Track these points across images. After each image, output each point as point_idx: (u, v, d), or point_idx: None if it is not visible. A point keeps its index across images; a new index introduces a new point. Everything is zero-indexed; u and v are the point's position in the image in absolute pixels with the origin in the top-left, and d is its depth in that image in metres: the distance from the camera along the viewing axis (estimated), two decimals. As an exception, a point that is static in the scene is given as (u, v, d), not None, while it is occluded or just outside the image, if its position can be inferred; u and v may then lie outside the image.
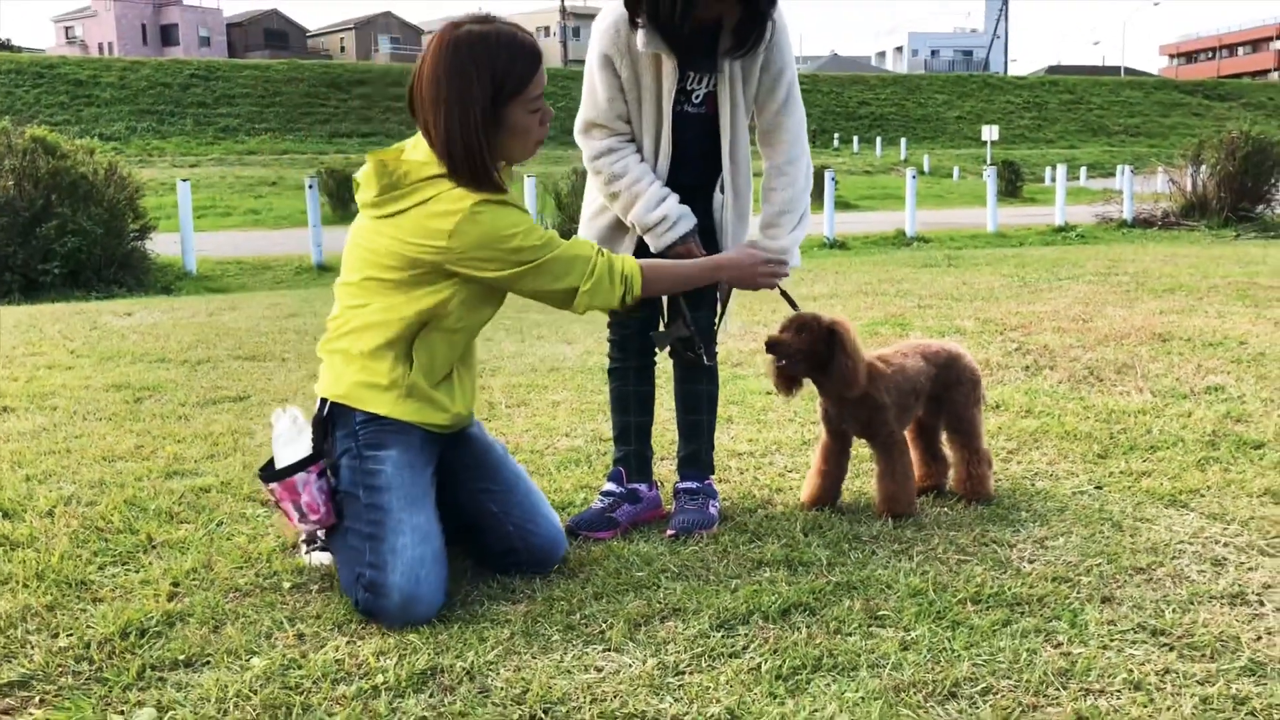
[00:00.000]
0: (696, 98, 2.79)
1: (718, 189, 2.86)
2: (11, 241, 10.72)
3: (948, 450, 3.10)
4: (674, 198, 2.76)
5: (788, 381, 2.86)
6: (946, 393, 3.03)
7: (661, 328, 2.92)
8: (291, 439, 2.52)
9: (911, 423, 3.05)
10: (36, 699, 1.98)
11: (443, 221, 2.32)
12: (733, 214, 2.86)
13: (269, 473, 2.46)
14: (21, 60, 41.28)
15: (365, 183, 2.42)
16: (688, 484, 2.94)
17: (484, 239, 2.34)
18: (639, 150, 2.81)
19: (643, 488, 2.96)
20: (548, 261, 2.41)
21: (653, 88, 2.75)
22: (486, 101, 2.32)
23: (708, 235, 2.86)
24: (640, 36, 2.66)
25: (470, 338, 2.55)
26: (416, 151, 2.41)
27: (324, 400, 2.46)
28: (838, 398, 2.87)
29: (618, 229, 2.88)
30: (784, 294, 2.91)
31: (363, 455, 2.39)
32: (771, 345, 2.79)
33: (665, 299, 2.87)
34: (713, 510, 2.88)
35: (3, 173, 10.91)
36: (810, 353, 2.78)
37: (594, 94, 2.77)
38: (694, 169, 2.84)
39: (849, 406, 2.87)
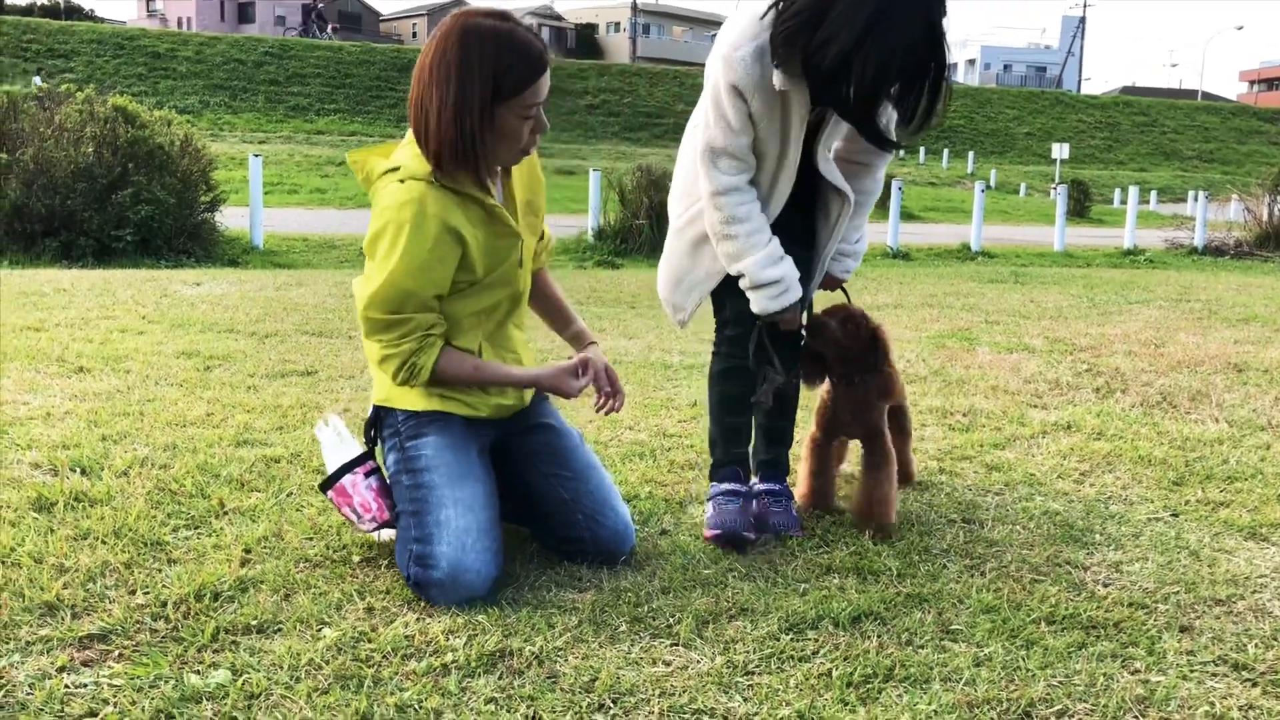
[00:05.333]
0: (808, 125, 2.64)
1: (836, 194, 2.71)
2: (88, 207, 10.92)
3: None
4: (791, 262, 2.62)
5: (818, 370, 2.85)
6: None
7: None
8: (335, 447, 2.61)
9: None
10: (116, 653, 2.01)
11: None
12: (848, 218, 2.75)
13: (325, 482, 2.56)
14: (104, 31, 42.12)
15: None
16: (770, 485, 2.88)
17: (373, 205, 2.35)
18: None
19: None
20: (382, 285, 2.31)
21: (779, 123, 2.54)
22: (486, 97, 2.25)
23: (807, 233, 2.77)
24: (778, 77, 2.43)
25: (476, 327, 2.49)
26: (402, 149, 2.40)
27: (374, 405, 2.57)
28: (856, 403, 2.85)
29: (700, 244, 2.73)
30: (845, 294, 2.93)
31: (404, 446, 2.47)
32: (814, 328, 2.75)
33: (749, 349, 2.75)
34: (794, 513, 2.85)
35: (84, 139, 11.13)
36: (845, 348, 2.76)
37: (725, 121, 2.52)
38: (800, 182, 2.69)
39: (859, 412, 2.86)
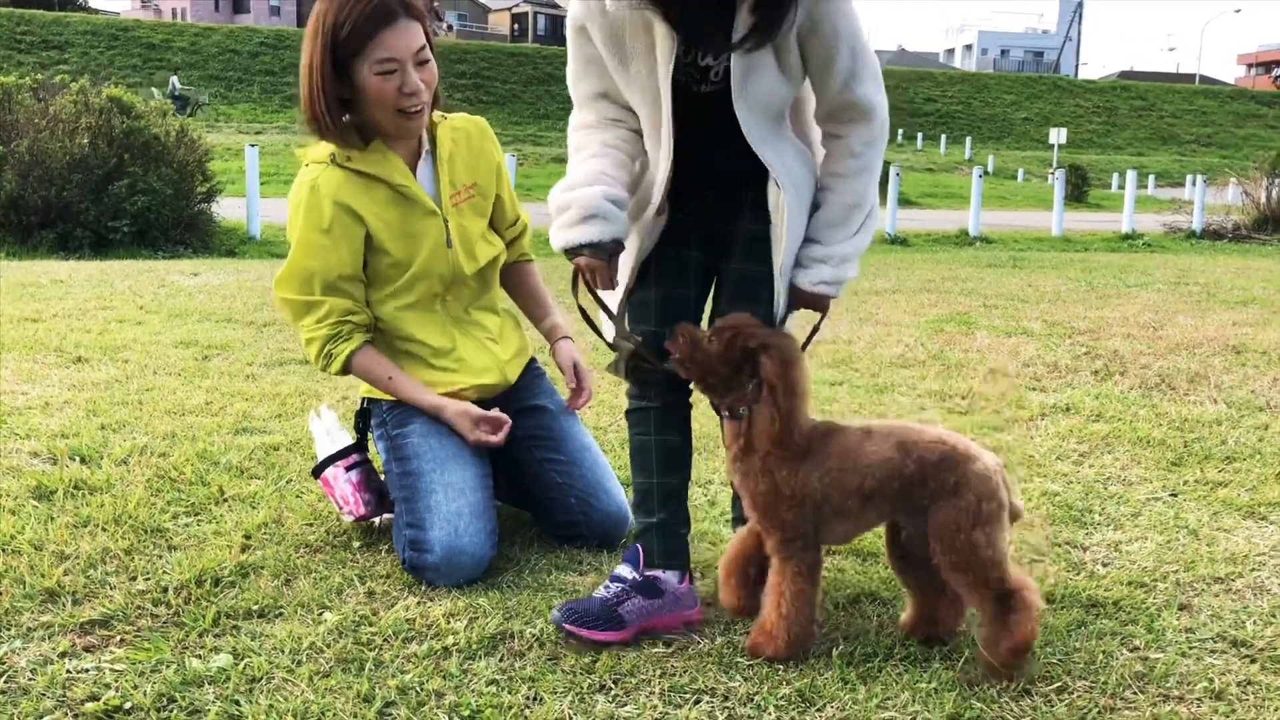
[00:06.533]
0: (715, 75, 2.09)
1: (772, 183, 2.12)
2: (85, 198, 10.90)
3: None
4: (601, 191, 2.04)
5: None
6: (934, 504, 1.95)
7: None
8: (324, 441, 2.66)
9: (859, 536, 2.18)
10: (118, 638, 2.01)
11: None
12: (796, 211, 2.13)
13: (315, 469, 2.65)
14: (98, 22, 41.99)
15: None
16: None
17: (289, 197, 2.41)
18: (639, 140, 2.20)
19: (668, 577, 2.15)
20: (287, 265, 2.44)
21: (644, 59, 2.07)
22: (327, 56, 2.23)
23: (760, 242, 2.15)
24: None
25: (429, 313, 2.51)
26: None
27: (363, 397, 2.62)
28: (738, 452, 2.02)
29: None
30: (815, 325, 2.26)
31: (392, 435, 2.51)
32: (676, 333, 2.04)
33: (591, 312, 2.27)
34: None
35: (79, 131, 11.10)
36: (706, 365, 2.01)
37: (570, 65, 2.22)
38: (730, 155, 2.13)
39: (746, 477, 2.01)
